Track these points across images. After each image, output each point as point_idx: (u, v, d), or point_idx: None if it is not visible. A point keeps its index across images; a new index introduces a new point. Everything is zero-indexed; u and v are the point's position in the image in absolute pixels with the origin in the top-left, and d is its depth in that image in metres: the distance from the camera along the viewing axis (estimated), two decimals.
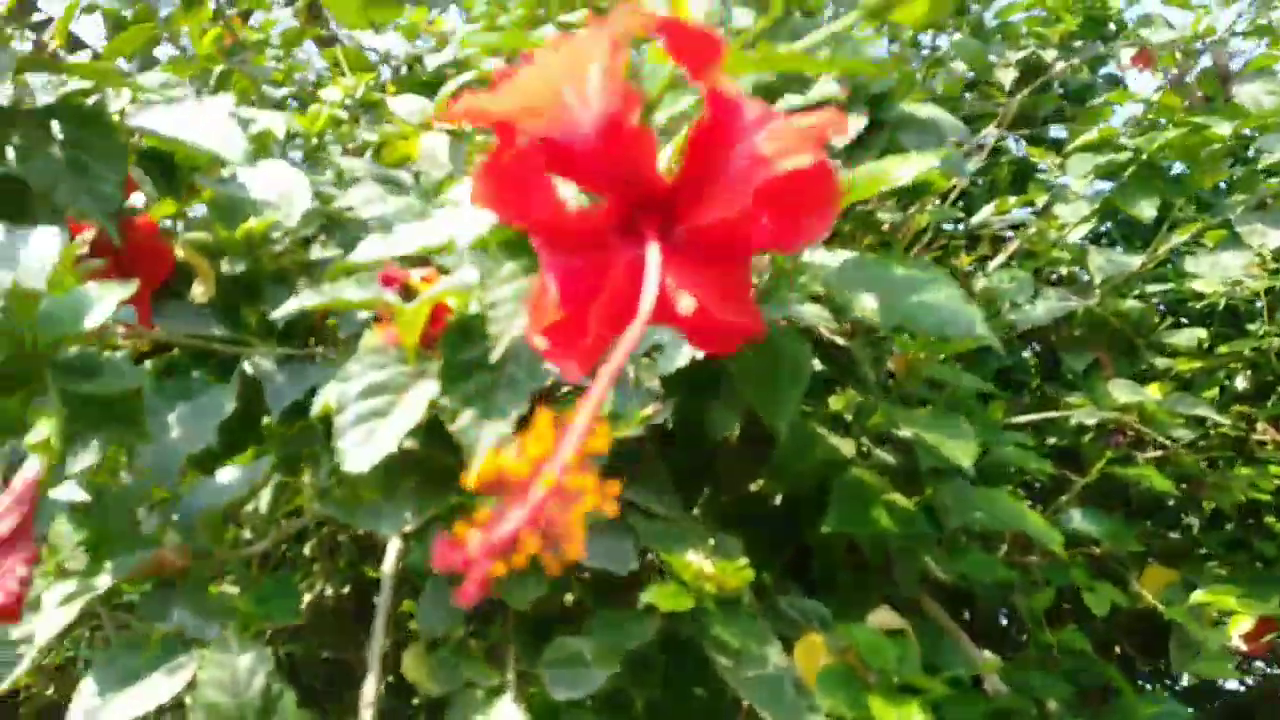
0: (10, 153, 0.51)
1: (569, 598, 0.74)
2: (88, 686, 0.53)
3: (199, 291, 0.61)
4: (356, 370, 0.45)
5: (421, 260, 0.63)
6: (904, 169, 0.59)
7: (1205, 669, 1.15)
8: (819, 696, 0.66)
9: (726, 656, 0.63)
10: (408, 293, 0.51)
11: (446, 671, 0.58)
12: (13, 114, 0.52)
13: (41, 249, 0.42)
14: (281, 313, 0.49)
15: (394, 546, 0.54)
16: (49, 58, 0.57)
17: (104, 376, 0.40)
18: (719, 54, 0.21)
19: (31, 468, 0.37)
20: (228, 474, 0.51)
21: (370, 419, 0.43)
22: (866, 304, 0.53)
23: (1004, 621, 1.36)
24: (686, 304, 0.20)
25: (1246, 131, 1.26)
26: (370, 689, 0.48)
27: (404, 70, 1.69)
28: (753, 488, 0.93)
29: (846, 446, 0.87)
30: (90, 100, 0.57)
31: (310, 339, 0.67)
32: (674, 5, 0.30)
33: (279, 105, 1.41)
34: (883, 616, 0.74)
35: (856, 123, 0.76)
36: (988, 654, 0.89)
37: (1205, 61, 1.34)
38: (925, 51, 1.55)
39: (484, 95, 0.22)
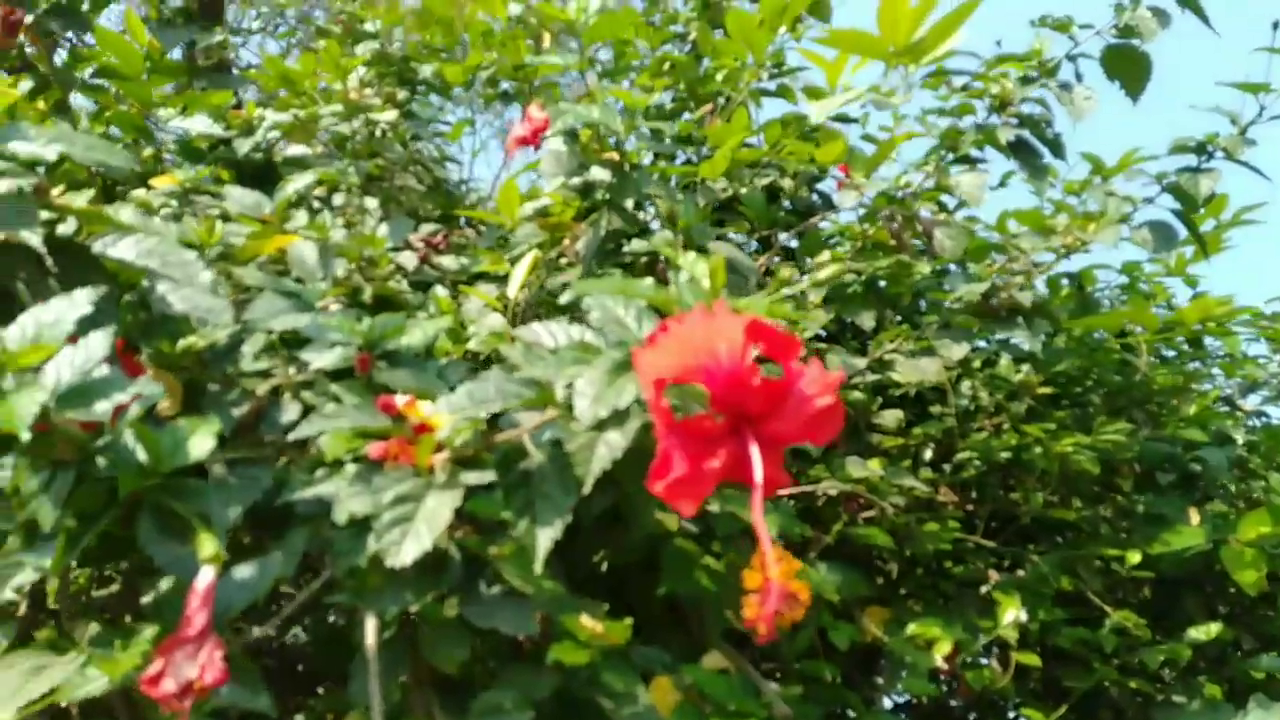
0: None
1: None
2: None
3: (165, 406, 0.67)
4: (383, 484, 0.56)
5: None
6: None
7: (912, 686, 1.47)
8: None
9: (610, 699, 0.79)
10: (400, 418, 0.63)
11: None
12: (16, 251, 0.57)
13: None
14: (297, 435, 0.58)
15: (371, 624, 0.63)
16: (49, 200, 0.60)
17: (198, 498, 0.48)
18: (797, 348, 0.39)
19: (207, 575, 0.44)
20: (243, 570, 0.58)
21: (402, 522, 0.54)
22: None
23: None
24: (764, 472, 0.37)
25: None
26: None
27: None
28: None
29: (670, 520, 1.07)
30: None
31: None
32: (713, 277, 0.48)
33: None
34: (714, 659, 0.93)
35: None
36: (773, 685, 1.11)
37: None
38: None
39: (650, 352, 0.38)
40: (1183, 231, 1.43)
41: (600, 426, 0.48)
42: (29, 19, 1.08)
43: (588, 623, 0.79)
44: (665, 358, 0.38)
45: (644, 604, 1.14)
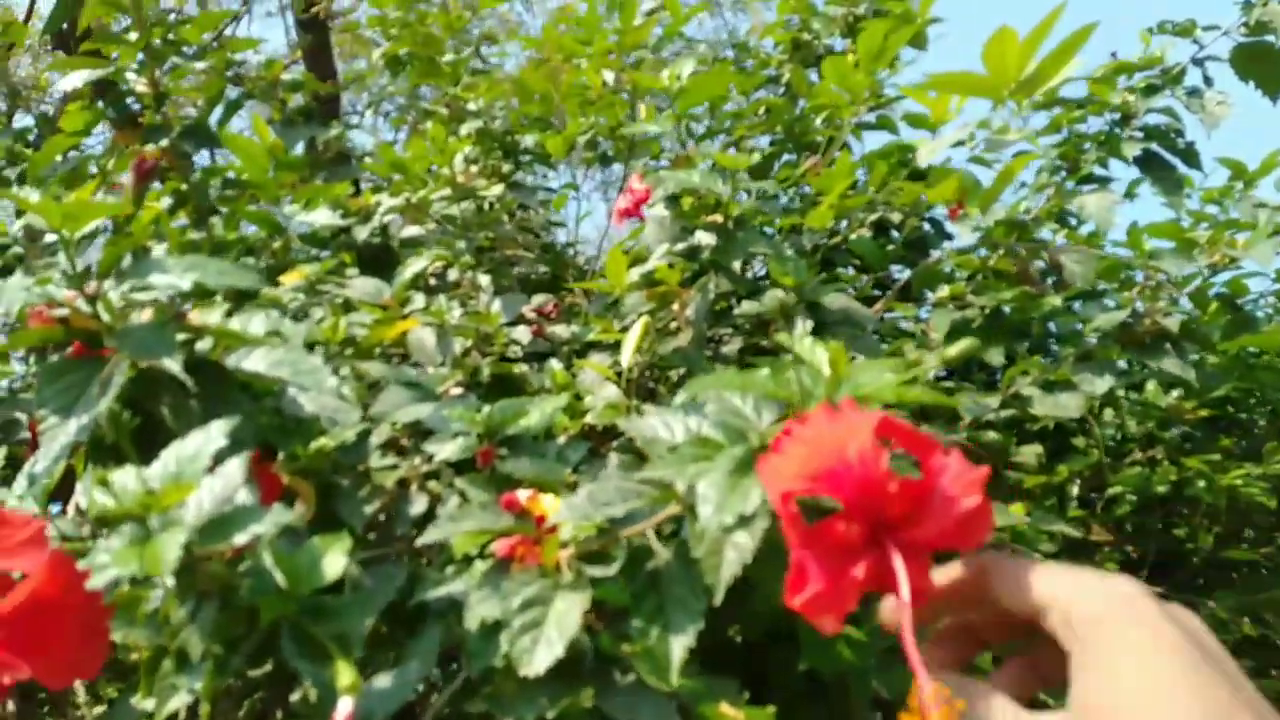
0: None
1: None
2: None
3: (300, 512, 0.69)
4: (511, 588, 0.56)
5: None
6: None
7: None
8: None
9: None
10: (524, 514, 0.63)
11: None
12: (158, 377, 0.60)
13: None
14: (424, 540, 0.59)
15: None
16: (187, 323, 0.65)
17: (335, 619, 0.49)
18: (935, 445, 0.37)
19: (345, 706, 0.45)
20: (382, 680, 0.59)
21: (532, 629, 0.54)
22: None
23: None
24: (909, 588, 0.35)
25: None
26: None
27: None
28: None
29: None
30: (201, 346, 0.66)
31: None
32: (834, 366, 0.46)
33: None
34: None
35: (805, 325, 0.94)
36: None
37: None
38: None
39: (774, 460, 0.37)
40: None
41: (727, 529, 0.46)
42: (164, 142, 1.17)
43: (729, 711, 0.76)
44: (791, 466, 0.36)
45: (780, 674, 1.10)
